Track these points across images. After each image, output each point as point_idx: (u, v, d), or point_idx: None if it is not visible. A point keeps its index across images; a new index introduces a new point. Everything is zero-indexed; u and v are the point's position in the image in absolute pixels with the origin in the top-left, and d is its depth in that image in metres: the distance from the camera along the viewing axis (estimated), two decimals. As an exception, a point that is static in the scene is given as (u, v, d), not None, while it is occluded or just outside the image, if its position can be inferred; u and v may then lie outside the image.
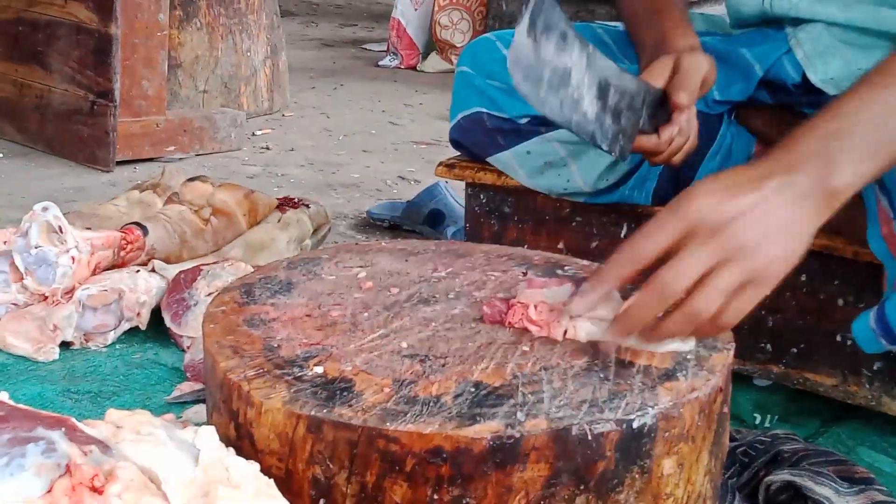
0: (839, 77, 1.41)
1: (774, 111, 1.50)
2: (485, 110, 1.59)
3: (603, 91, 1.19)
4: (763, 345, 1.47)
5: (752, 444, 1.31)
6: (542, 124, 1.53)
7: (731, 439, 1.32)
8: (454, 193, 2.36)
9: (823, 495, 1.22)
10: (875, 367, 1.40)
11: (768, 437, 1.32)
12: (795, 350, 1.45)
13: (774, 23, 1.50)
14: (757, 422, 1.54)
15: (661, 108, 1.29)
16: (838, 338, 1.42)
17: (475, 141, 1.62)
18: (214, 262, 1.85)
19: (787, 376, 1.48)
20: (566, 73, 1.15)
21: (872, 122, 0.99)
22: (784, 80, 1.46)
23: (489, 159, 1.61)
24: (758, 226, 0.94)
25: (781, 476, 1.24)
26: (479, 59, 1.61)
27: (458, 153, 1.69)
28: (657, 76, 1.29)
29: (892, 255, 1.23)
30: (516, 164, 1.58)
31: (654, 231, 0.95)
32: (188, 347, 1.72)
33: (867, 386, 1.41)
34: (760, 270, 0.94)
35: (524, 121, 1.56)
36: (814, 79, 1.44)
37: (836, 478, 1.25)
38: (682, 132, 1.30)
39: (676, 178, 1.50)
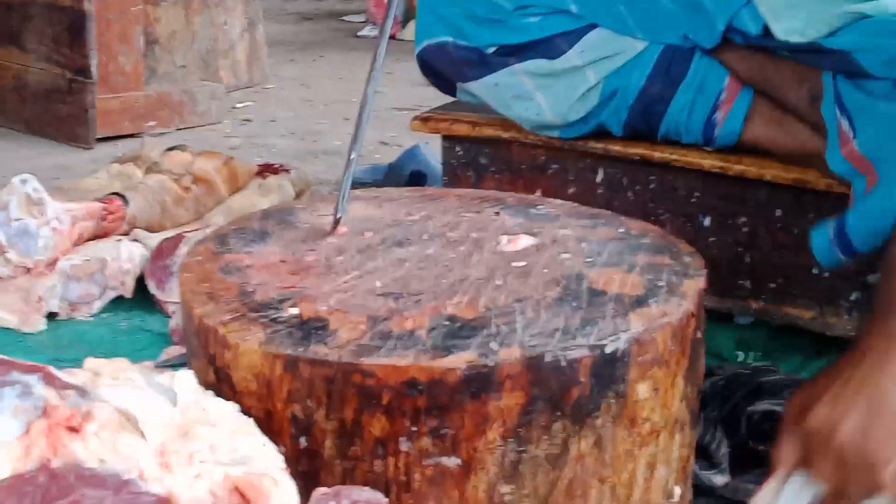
0: (802, 28, 1.40)
1: (746, 48, 1.50)
2: (450, 40, 1.57)
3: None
4: (741, 281, 1.48)
5: (734, 376, 1.32)
6: (509, 54, 1.51)
7: (712, 373, 1.33)
8: (434, 154, 2.36)
9: (804, 424, 1.24)
10: (852, 298, 1.41)
11: (749, 370, 1.33)
12: (773, 285, 1.46)
13: None
14: (739, 359, 1.55)
15: None
16: (815, 271, 1.43)
17: (443, 72, 1.60)
18: (196, 230, 1.86)
19: (766, 311, 1.49)
20: None
21: None
22: (746, 30, 1.45)
23: (459, 87, 1.58)
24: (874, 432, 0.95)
25: (762, 406, 1.26)
26: None
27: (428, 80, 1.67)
28: None
29: (856, 170, 1.24)
30: (485, 97, 1.57)
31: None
32: (173, 313, 1.73)
33: (845, 317, 1.43)
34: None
35: (491, 50, 1.53)
36: (777, 31, 1.42)
37: (816, 406, 1.26)
38: None
39: (648, 110, 1.50)
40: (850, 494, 0.97)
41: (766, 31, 1.43)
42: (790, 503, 1.00)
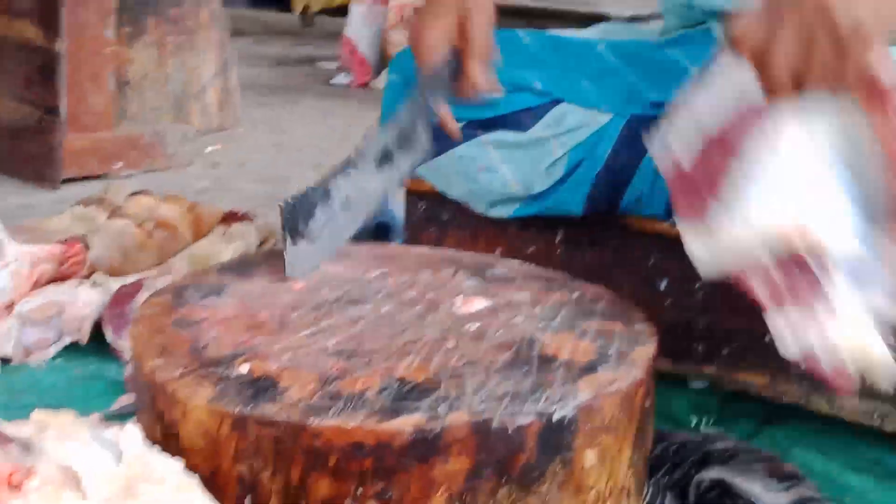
0: None
1: None
2: None
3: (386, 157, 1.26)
4: (695, 346, 1.49)
5: (684, 443, 1.32)
6: (476, 128, 1.53)
7: (663, 439, 1.34)
8: (401, 206, 2.37)
9: (752, 492, 1.24)
10: (803, 367, 1.43)
11: (699, 437, 1.34)
12: (726, 351, 1.47)
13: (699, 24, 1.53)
14: (693, 424, 1.56)
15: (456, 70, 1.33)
16: (767, 338, 1.44)
17: None
18: (157, 276, 1.85)
19: (720, 377, 1.50)
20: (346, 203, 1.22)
21: None
22: None
23: (421, 170, 1.60)
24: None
25: (711, 474, 1.26)
26: (409, 68, 1.62)
27: None
28: (438, 41, 1.32)
29: None
30: (449, 170, 1.58)
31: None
32: (129, 361, 1.72)
33: (796, 385, 1.44)
34: None
35: (460, 125, 1.56)
36: None
37: (765, 475, 1.27)
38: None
39: (613, 182, 1.51)
40: (809, 80, 0.94)
41: None
42: (728, 89, 0.96)
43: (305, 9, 6.56)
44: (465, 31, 1.33)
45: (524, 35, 1.62)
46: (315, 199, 1.19)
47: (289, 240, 1.16)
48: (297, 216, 1.17)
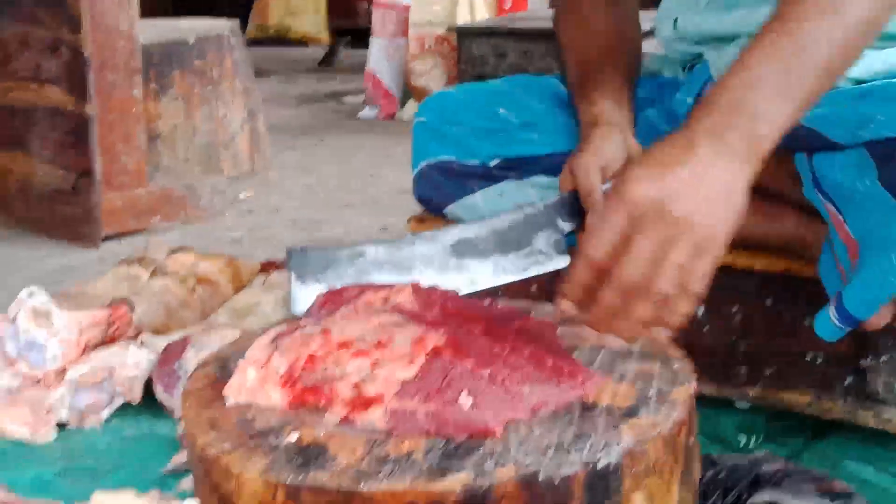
0: None
1: None
2: (454, 158, 1.60)
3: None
4: (737, 369, 1.50)
5: (734, 467, 1.33)
6: (511, 168, 1.55)
7: (713, 464, 1.35)
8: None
9: (805, 512, 1.25)
10: (846, 384, 1.43)
11: (749, 460, 1.35)
12: (769, 372, 1.48)
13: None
14: (742, 444, 1.56)
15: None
16: (808, 357, 1.45)
17: (442, 188, 1.62)
18: (202, 332, 1.89)
19: (764, 398, 1.51)
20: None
21: (781, 65, 1.03)
22: None
23: (454, 205, 1.60)
24: (696, 196, 0.98)
25: (763, 496, 1.27)
26: (440, 108, 1.63)
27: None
28: (565, 178, 1.36)
29: (847, 252, 1.27)
30: (485, 208, 1.59)
31: (601, 232, 1.00)
32: (181, 417, 1.75)
33: (841, 402, 1.45)
34: (706, 237, 0.99)
35: (494, 163, 1.57)
36: None
37: (816, 494, 1.27)
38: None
39: None
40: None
41: None
42: None
43: (331, 42, 6.63)
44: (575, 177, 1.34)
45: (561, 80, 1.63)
46: (342, 255, 1.23)
47: (294, 279, 1.20)
48: (307, 262, 1.22)
